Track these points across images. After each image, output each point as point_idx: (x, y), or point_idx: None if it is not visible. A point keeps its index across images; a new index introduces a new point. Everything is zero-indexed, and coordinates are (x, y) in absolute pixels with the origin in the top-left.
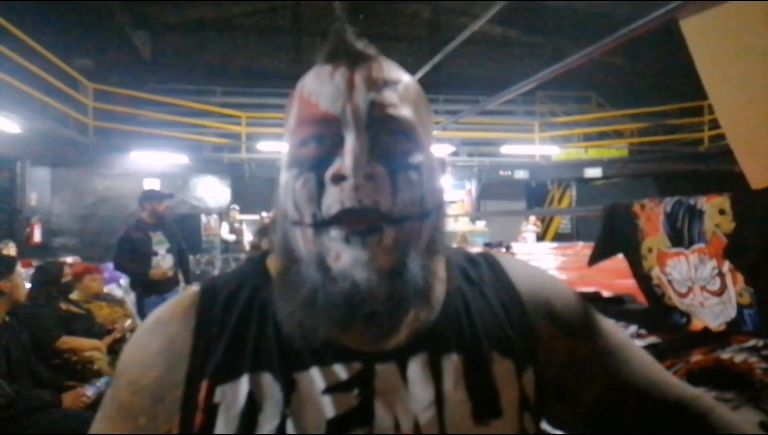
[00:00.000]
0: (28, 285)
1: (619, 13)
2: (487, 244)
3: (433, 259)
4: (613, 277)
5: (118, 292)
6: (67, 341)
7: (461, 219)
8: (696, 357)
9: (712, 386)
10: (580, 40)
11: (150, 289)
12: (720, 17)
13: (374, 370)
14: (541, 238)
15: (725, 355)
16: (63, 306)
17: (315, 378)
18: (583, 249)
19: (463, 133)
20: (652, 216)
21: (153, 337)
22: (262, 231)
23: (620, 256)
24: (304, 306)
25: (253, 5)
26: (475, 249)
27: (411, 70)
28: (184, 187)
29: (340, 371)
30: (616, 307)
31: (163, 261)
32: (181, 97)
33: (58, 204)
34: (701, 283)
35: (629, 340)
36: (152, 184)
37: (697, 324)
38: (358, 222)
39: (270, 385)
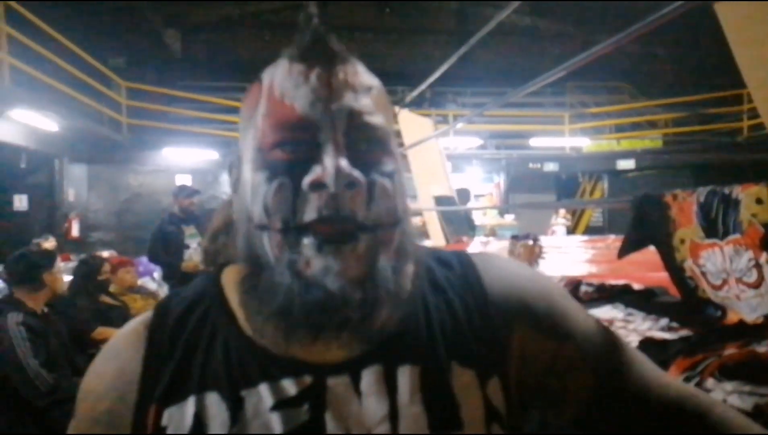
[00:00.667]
0: (68, 278)
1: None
2: (514, 237)
3: (403, 262)
4: (645, 269)
5: (152, 285)
6: (103, 332)
7: (489, 212)
8: (730, 350)
9: (745, 380)
10: (612, 29)
11: (182, 282)
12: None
13: (326, 383)
14: (571, 231)
15: (761, 348)
16: (101, 298)
17: (263, 394)
18: (614, 242)
19: (490, 126)
20: (685, 206)
21: (107, 365)
22: (214, 237)
23: (652, 248)
24: (278, 314)
25: (281, 2)
26: (502, 243)
27: (438, 63)
28: (215, 183)
29: (290, 386)
30: (647, 299)
31: (195, 254)
32: (211, 94)
33: (94, 200)
34: (737, 275)
35: (619, 339)
36: (184, 180)
37: (732, 317)
38: (333, 230)
39: (216, 404)
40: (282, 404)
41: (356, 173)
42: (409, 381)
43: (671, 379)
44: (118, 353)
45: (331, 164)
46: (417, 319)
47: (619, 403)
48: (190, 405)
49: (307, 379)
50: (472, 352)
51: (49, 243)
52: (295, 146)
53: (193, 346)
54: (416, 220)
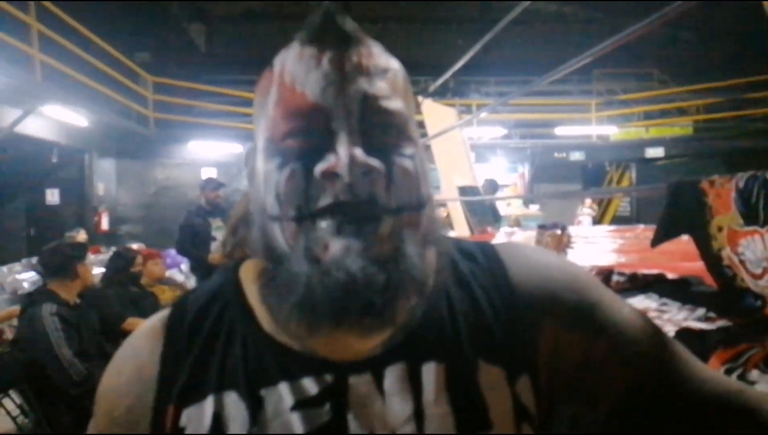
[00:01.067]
0: (98, 270)
1: None
2: (541, 226)
3: (429, 251)
4: (677, 259)
5: (179, 277)
6: (134, 322)
7: (514, 202)
8: None
9: None
10: (640, 13)
11: (209, 273)
12: None
13: (347, 382)
14: (597, 221)
15: None
16: (131, 289)
17: (283, 394)
18: (644, 231)
19: (515, 115)
20: (723, 193)
21: (125, 363)
22: (233, 230)
23: (684, 237)
24: (301, 304)
25: None
26: (527, 233)
27: (461, 52)
28: (239, 176)
29: (310, 385)
30: (683, 289)
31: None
32: (235, 87)
33: (123, 193)
34: None
35: (660, 330)
36: (209, 173)
37: None
38: (353, 213)
39: (235, 404)
40: (303, 404)
41: (372, 160)
42: (435, 379)
43: (717, 374)
44: (137, 351)
45: (344, 153)
46: (441, 313)
47: (661, 399)
48: (208, 405)
49: (329, 378)
50: (499, 348)
51: (81, 236)
52: (308, 134)
53: (211, 344)
54: (441, 211)
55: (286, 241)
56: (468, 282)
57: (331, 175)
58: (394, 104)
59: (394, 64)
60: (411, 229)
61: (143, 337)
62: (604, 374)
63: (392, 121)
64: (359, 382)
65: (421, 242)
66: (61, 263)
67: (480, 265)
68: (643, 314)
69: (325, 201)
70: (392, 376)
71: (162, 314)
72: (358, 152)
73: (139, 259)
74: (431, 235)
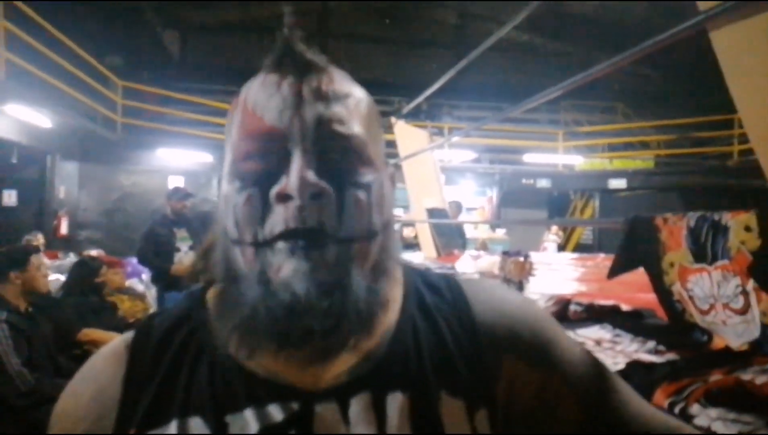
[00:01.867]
0: (54, 276)
1: (649, 23)
2: (505, 253)
3: (380, 283)
4: (635, 290)
5: (139, 287)
6: (88, 333)
7: (481, 226)
8: (715, 376)
9: (730, 408)
10: (608, 49)
11: (171, 285)
12: (751, 30)
13: (313, 410)
14: (562, 248)
15: (746, 376)
16: (92, 299)
17: (249, 420)
18: (603, 261)
19: (485, 140)
20: (675, 230)
21: (85, 386)
22: (206, 252)
23: (641, 269)
24: (243, 324)
25: (280, 8)
26: (493, 257)
27: (435, 76)
28: (207, 185)
29: (276, 412)
30: (635, 321)
31: (186, 257)
32: (207, 96)
33: (84, 198)
34: (724, 301)
35: (605, 369)
36: (177, 182)
37: (718, 342)
38: (302, 244)
39: (199, 429)
40: (268, 431)
41: (323, 183)
42: (399, 409)
43: (657, 412)
44: (97, 375)
45: (295, 174)
46: (407, 344)
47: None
48: (172, 429)
49: (295, 405)
50: (461, 381)
51: (38, 240)
52: (265, 157)
53: (176, 368)
54: (409, 232)
55: (246, 263)
56: (433, 314)
57: (283, 196)
58: (352, 129)
59: (357, 91)
60: (359, 260)
61: (104, 360)
62: (558, 411)
63: (349, 145)
64: (325, 411)
65: (371, 273)
66: (8, 261)
67: (445, 299)
68: (591, 354)
69: (278, 228)
70: (357, 406)
71: (125, 337)
72: (310, 174)
73: (104, 270)
74: (385, 265)
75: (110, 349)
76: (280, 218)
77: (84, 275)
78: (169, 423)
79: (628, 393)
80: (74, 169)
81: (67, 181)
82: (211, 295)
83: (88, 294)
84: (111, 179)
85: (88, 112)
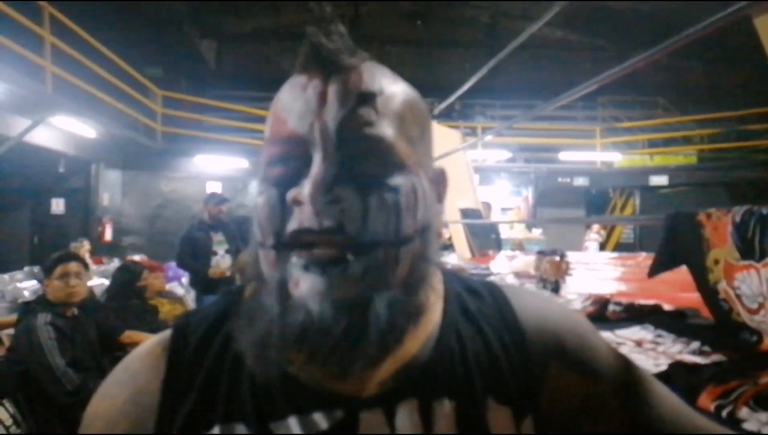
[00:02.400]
0: (99, 281)
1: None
2: (540, 252)
3: (414, 290)
4: (677, 290)
5: (179, 290)
6: (130, 335)
7: (517, 226)
8: (766, 378)
9: None
10: (644, 43)
11: (208, 288)
12: None
13: (358, 418)
14: (603, 247)
15: None
16: (134, 302)
17: (293, 428)
18: (645, 260)
19: (520, 139)
20: (719, 226)
21: (120, 388)
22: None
23: (683, 267)
24: (259, 340)
25: (313, 14)
26: (528, 257)
27: (468, 76)
28: (244, 191)
29: (321, 420)
30: (678, 321)
31: (222, 261)
32: (243, 103)
33: (127, 205)
34: None
35: (651, 377)
36: (214, 187)
37: None
38: (319, 246)
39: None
40: None
41: (340, 190)
42: (445, 416)
43: (702, 419)
44: (134, 376)
45: (310, 182)
46: (452, 350)
47: None
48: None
49: (339, 413)
50: (508, 388)
51: (85, 246)
52: (287, 161)
53: (217, 372)
54: (444, 233)
55: (269, 268)
56: (477, 319)
57: (295, 202)
58: (378, 130)
59: (391, 88)
60: (390, 269)
61: (141, 362)
62: (600, 419)
63: (374, 148)
64: (370, 418)
65: (405, 284)
66: (47, 265)
67: (487, 304)
68: (628, 360)
69: (291, 226)
70: (403, 413)
71: (162, 337)
72: (325, 181)
73: (145, 274)
74: (421, 271)
75: (145, 350)
76: (294, 218)
77: (126, 279)
78: (212, 429)
79: (666, 397)
80: (117, 177)
81: (110, 189)
82: (246, 294)
83: (130, 297)
84: (152, 186)
85: (129, 121)
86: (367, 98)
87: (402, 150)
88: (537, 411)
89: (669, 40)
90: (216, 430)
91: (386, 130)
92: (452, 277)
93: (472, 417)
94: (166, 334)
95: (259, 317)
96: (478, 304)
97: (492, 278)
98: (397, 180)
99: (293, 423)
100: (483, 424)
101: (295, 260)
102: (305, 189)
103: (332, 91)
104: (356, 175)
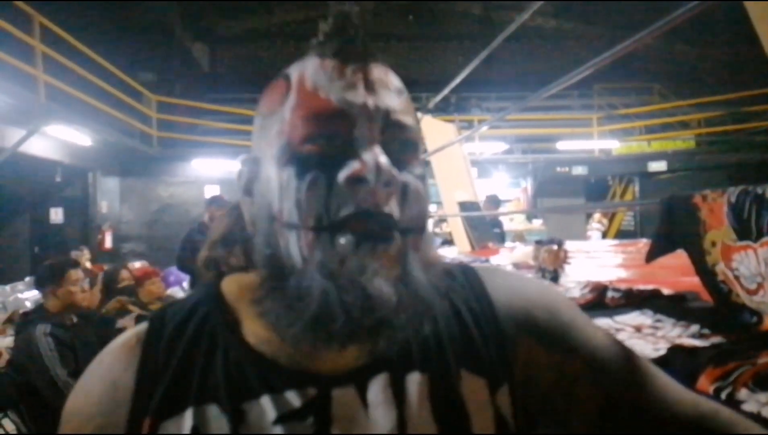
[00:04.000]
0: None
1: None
2: (538, 242)
3: (427, 270)
4: (678, 274)
5: (181, 295)
6: None
7: (517, 218)
8: (765, 358)
9: None
10: (640, 29)
11: None
12: None
13: (331, 395)
14: (605, 236)
15: None
16: (130, 308)
17: (265, 407)
18: (645, 246)
19: (516, 130)
20: (715, 207)
21: (95, 382)
22: (214, 244)
23: (682, 252)
24: (316, 320)
25: (305, 13)
26: (527, 248)
27: (462, 68)
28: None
29: (293, 398)
30: (678, 305)
31: None
32: (238, 105)
33: (126, 211)
34: None
35: (632, 353)
36: (212, 191)
37: None
38: (370, 227)
39: (216, 417)
40: (285, 417)
41: (395, 171)
42: (418, 390)
43: (691, 395)
44: (108, 369)
45: (371, 159)
46: (423, 325)
47: (630, 420)
48: (188, 418)
49: (312, 391)
50: (481, 359)
51: (85, 254)
52: (329, 139)
53: (191, 357)
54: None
55: (301, 250)
56: (449, 295)
57: (356, 180)
58: (411, 121)
59: (403, 87)
60: (415, 252)
61: (115, 355)
62: (575, 394)
63: (409, 137)
64: (343, 395)
65: (422, 265)
66: (46, 276)
67: (459, 283)
68: (614, 337)
69: (347, 210)
70: (376, 388)
71: (138, 329)
72: (384, 159)
73: (125, 274)
74: (428, 257)
75: (121, 342)
76: (349, 200)
77: (107, 284)
78: (185, 411)
79: (659, 377)
80: (115, 184)
81: (108, 196)
82: (232, 283)
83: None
84: (150, 192)
85: (124, 128)
86: (399, 90)
87: (420, 143)
88: (512, 383)
89: (655, 23)
90: (189, 412)
91: (414, 122)
92: (436, 259)
93: (445, 388)
94: (143, 325)
95: (305, 301)
96: (450, 282)
97: None
98: (420, 170)
99: (266, 402)
100: (456, 394)
101: (343, 240)
102: (369, 164)
103: (374, 78)
104: (396, 161)
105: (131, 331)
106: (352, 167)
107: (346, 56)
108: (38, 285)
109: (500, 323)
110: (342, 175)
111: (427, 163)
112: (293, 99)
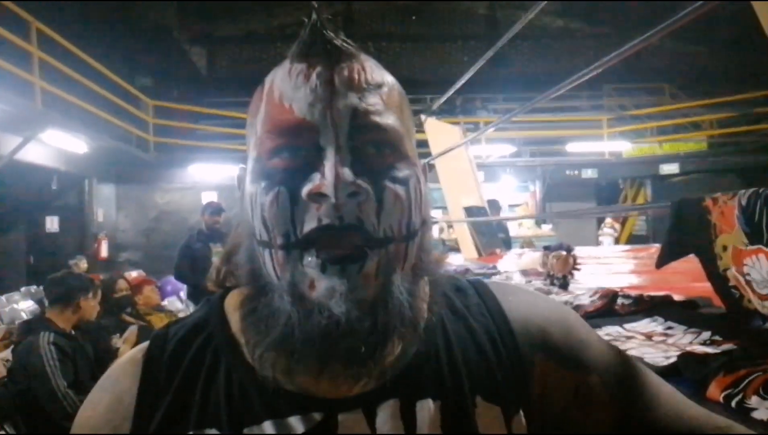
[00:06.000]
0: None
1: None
2: (546, 247)
3: (417, 283)
4: (690, 279)
5: (178, 304)
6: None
7: (526, 222)
8: None
9: None
10: (648, 28)
11: None
12: None
13: (337, 420)
14: (617, 242)
15: None
16: (126, 318)
17: (268, 433)
18: (657, 251)
19: (524, 133)
20: (726, 210)
21: (102, 396)
22: (227, 257)
23: (694, 257)
24: (278, 344)
25: (304, 15)
26: (535, 254)
27: (467, 69)
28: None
29: (297, 424)
30: (689, 311)
31: None
32: (237, 109)
33: (122, 219)
34: None
35: (641, 368)
36: (210, 197)
37: None
38: (337, 244)
39: None
40: None
41: (360, 181)
42: (429, 417)
43: (703, 411)
44: (114, 384)
45: (330, 172)
46: (437, 347)
47: None
48: None
49: (317, 416)
50: (498, 384)
51: (82, 264)
52: (294, 152)
53: (192, 377)
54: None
55: (274, 269)
56: (464, 315)
57: (316, 196)
58: (388, 120)
59: (389, 79)
60: (399, 262)
61: (122, 369)
62: (590, 413)
63: (385, 138)
64: (349, 420)
65: (410, 275)
66: (64, 294)
67: (473, 301)
68: (625, 354)
69: (310, 225)
70: (384, 414)
71: (145, 345)
72: (346, 172)
73: (122, 284)
74: (422, 266)
75: (128, 358)
76: (312, 215)
77: (103, 293)
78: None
79: (668, 393)
80: (111, 191)
81: (105, 204)
82: (232, 301)
83: (113, 310)
84: (147, 199)
85: (121, 134)
86: (375, 87)
87: (406, 141)
88: (528, 406)
89: (666, 22)
90: None
91: (393, 120)
92: (438, 271)
93: (458, 417)
94: (147, 342)
95: (275, 323)
96: (464, 301)
97: (498, 277)
98: (405, 172)
99: (268, 427)
100: (470, 423)
101: (310, 260)
102: (327, 179)
103: (339, 79)
104: (368, 166)
105: (139, 347)
106: (312, 182)
107: (312, 58)
108: (50, 302)
109: (517, 342)
110: (303, 191)
111: (431, 167)
112: (263, 111)
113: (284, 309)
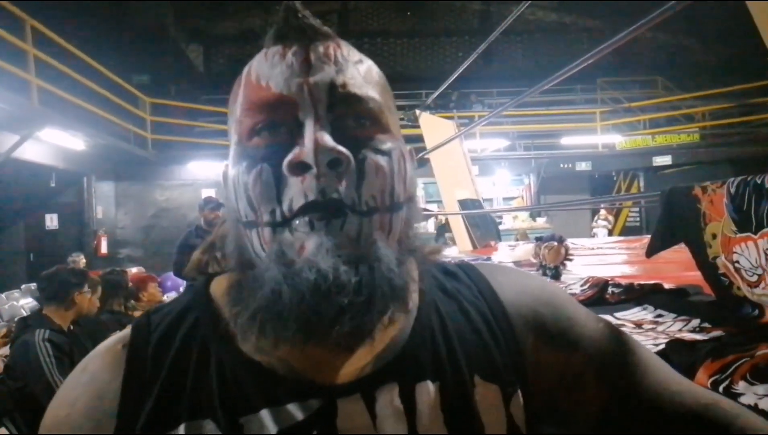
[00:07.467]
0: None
1: None
2: (539, 239)
3: (404, 257)
4: (681, 269)
5: None
6: None
7: (521, 215)
8: (763, 350)
9: None
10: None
11: None
12: None
13: (336, 406)
14: (611, 233)
15: None
16: (130, 313)
17: (265, 421)
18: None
19: (518, 126)
20: (715, 199)
21: (79, 391)
22: (211, 245)
23: (683, 246)
24: (266, 308)
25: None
26: (528, 246)
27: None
28: None
29: (295, 411)
30: (679, 299)
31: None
32: None
33: (122, 216)
34: None
35: (634, 343)
36: (209, 193)
37: None
38: (321, 216)
39: (212, 433)
40: (287, 432)
41: (341, 148)
42: (429, 399)
43: (691, 386)
44: (93, 378)
45: (310, 140)
46: (432, 329)
47: (632, 412)
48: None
49: (315, 402)
50: (495, 364)
51: (81, 261)
52: (274, 129)
53: (181, 367)
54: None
55: (262, 246)
56: (456, 297)
57: (298, 165)
58: (366, 92)
59: (367, 60)
60: (383, 232)
61: (100, 361)
62: (580, 389)
63: (365, 110)
64: (348, 406)
65: (396, 247)
66: (57, 290)
67: (464, 283)
68: (615, 327)
69: (297, 202)
70: (384, 398)
71: (123, 335)
72: (325, 137)
73: (124, 281)
74: (409, 242)
75: (105, 348)
76: (297, 191)
77: (113, 287)
78: (177, 427)
79: (660, 368)
80: (110, 188)
81: (104, 201)
82: (219, 286)
83: (117, 306)
84: (146, 196)
85: (119, 131)
86: (353, 63)
87: (387, 115)
88: (525, 384)
89: (654, 12)
90: (181, 429)
91: (373, 93)
92: (425, 254)
93: (458, 399)
94: (127, 331)
95: (262, 290)
96: (455, 283)
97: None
98: (387, 144)
99: (266, 416)
100: (470, 404)
101: (298, 223)
102: (306, 147)
103: (316, 54)
104: (349, 137)
105: (115, 337)
106: (293, 152)
107: (287, 38)
108: (45, 300)
109: (513, 324)
110: (284, 163)
111: (426, 162)
112: (241, 95)
113: (271, 276)
